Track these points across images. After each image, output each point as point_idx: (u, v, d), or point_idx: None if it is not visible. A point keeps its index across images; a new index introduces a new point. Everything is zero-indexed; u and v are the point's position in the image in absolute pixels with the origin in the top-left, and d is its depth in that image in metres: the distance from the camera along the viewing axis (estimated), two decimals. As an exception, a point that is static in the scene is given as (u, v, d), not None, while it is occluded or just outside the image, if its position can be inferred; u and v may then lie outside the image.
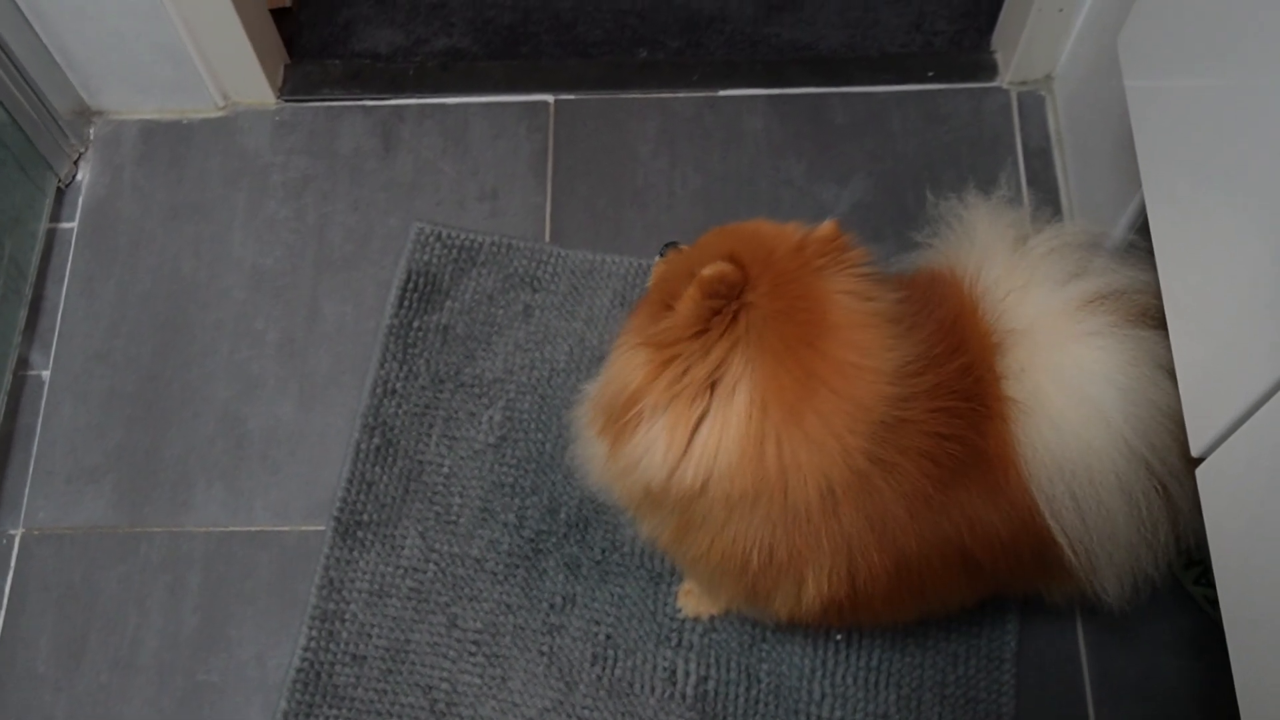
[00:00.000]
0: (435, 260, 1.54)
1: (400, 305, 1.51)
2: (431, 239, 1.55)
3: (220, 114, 1.67)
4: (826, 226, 0.94)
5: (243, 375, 1.52)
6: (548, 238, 1.56)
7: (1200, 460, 0.90)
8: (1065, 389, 0.98)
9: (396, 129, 1.65)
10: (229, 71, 1.62)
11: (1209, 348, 0.91)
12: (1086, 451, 0.97)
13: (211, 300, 1.56)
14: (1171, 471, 0.98)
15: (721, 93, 1.65)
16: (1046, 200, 1.53)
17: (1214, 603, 1.30)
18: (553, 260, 1.54)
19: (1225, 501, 0.88)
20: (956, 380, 0.97)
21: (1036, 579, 1.16)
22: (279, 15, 1.71)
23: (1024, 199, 1.54)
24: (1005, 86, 1.61)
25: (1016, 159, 1.57)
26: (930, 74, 1.63)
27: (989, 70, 1.63)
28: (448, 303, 1.51)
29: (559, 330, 1.50)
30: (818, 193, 1.57)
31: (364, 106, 1.67)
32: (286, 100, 1.67)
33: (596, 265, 1.53)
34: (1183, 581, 1.31)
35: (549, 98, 1.66)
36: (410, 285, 1.52)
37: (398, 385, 1.47)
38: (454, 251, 1.54)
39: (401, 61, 1.70)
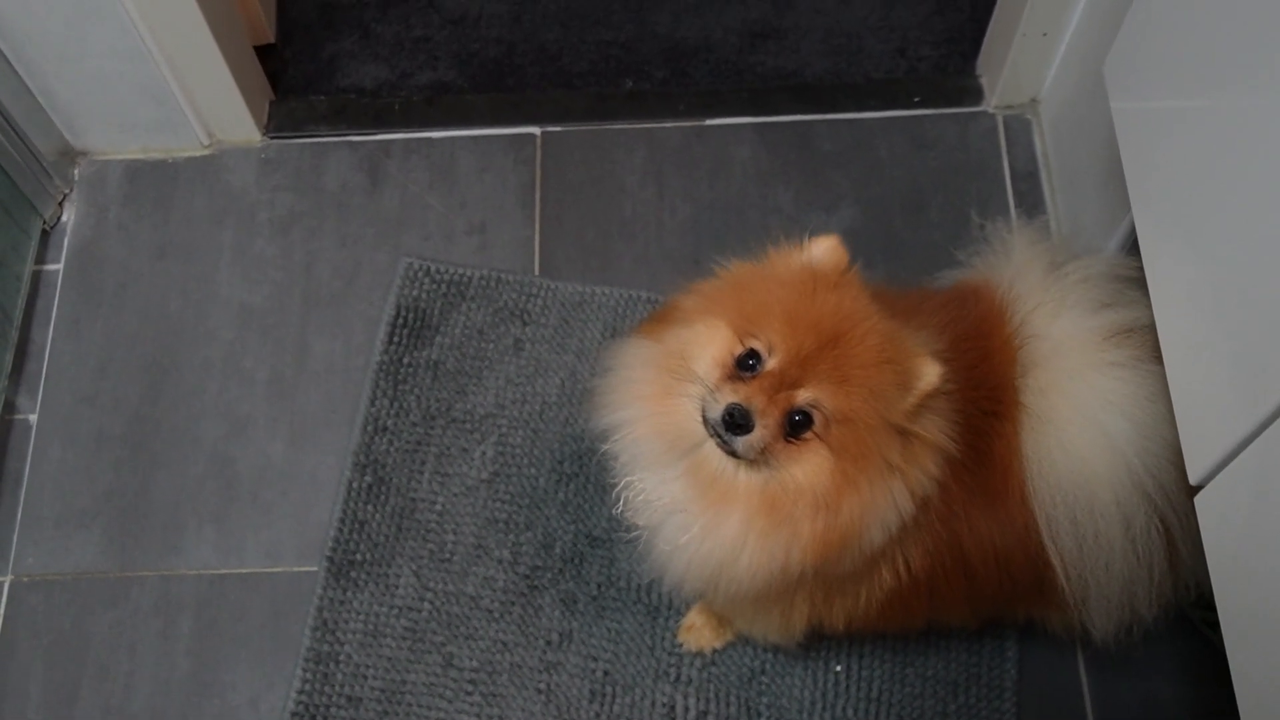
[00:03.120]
0: (424, 295, 1.53)
1: (390, 341, 1.50)
2: (420, 274, 1.55)
3: (205, 152, 1.66)
4: (832, 254, 0.94)
5: (232, 415, 1.50)
6: (537, 270, 1.56)
7: (1199, 489, 0.90)
8: (1080, 414, 0.98)
9: (383, 164, 1.65)
10: (214, 110, 1.61)
11: (1205, 374, 0.91)
12: (1092, 478, 0.97)
13: (199, 340, 1.55)
14: (1176, 511, 0.98)
15: (708, 122, 1.65)
16: (1021, 218, 1.54)
17: (1213, 625, 1.30)
18: (542, 293, 1.53)
19: (1224, 528, 0.87)
20: (978, 378, 0.99)
21: (1032, 603, 1.15)
22: (263, 51, 1.70)
23: (1012, 222, 1.54)
24: (991, 110, 1.62)
25: (1004, 183, 1.58)
26: (916, 99, 1.63)
27: (974, 95, 1.63)
28: (437, 338, 1.50)
29: (550, 364, 1.49)
30: (806, 220, 1.57)
31: (350, 142, 1.67)
32: (272, 137, 1.67)
33: (586, 297, 1.53)
34: (1182, 604, 1.31)
35: (536, 130, 1.66)
36: (400, 321, 1.52)
37: (389, 422, 1.46)
38: (443, 286, 1.54)
39: (387, 96, 1.70)
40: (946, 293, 1.12)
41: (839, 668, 1.31)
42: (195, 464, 1.48)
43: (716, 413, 0.88)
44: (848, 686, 1.30)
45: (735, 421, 0.88)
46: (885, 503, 0.91)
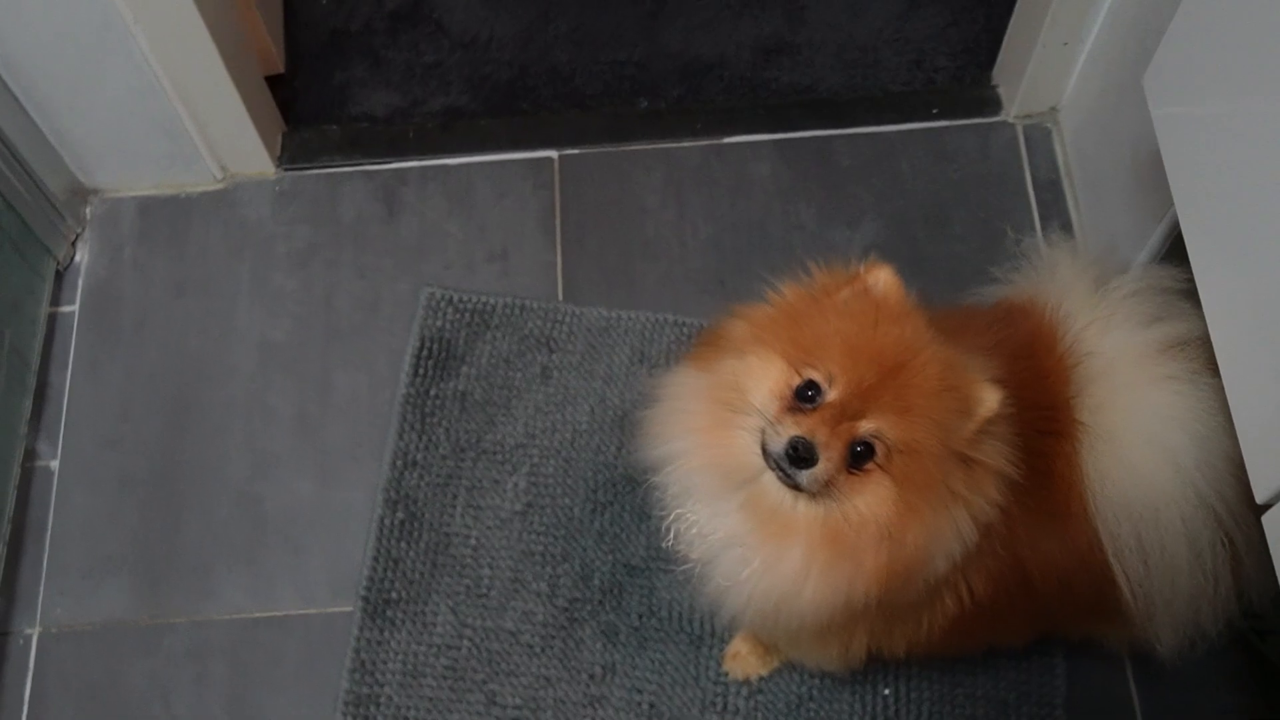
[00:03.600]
0: (448, 326, 1.51)
1: (415, 374, 1.48)
2: (443, 304, 1.53)
3: (219, 186, 1.64)
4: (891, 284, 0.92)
5: (257, 453, 1.48)
6: (560, 296, 1.54)
7: (1266, 507, 0.88)
8: (1140, 431, 0.97)
9: (399, 193, 1.63)
10: (227, 143, 1.59)
11: (1265, 388, 0.89)
12: (1156, 495, 0.96)
13: (220, 377, 1.53)
14: (1240, 524, 0.97)
15: (726, 140, 1.63)
16: (1060, 233, 1.53)
17: (1263, 635, 1.29)
18: (567, 319, 1.51)
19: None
20: (1033, 399, 0.97)
21: (1092, 621, 1.14)
22: (273, 82, 1.69)
23: (1037, 232, 1.53)
24: (1011, 120, 1.61)
25: (1026, 193, 1.57)
26: (934, 111, 1.62)
27: (993, 105, 1.62)
28: (463, 368, 1.49)
29: (579, 391, 1.47)
30: (829, 237, 1.56)
31: (365, 171, 1.65)
32: (286, 169, 1.65)
33: (612, 322, 1.51)
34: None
35: (553, 153, 1.64)
36: (424, 353, 1.50)
37: (418, 456, 1.44)
38: (466, 315, 1.52)
39: (400, 123, 1.68)
40: (991, 311, 1.11)
41: (887, 691, 1.30)
42: (222, 505, 1.46)
43: (779, 446, 0.87)
44: (897, 710, 1.29)
45: (799, 455, 0.86)
46: (949, 531, 0.90)
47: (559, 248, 1.58)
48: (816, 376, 0.89)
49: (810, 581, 0.91)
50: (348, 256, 1.59)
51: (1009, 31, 1.58)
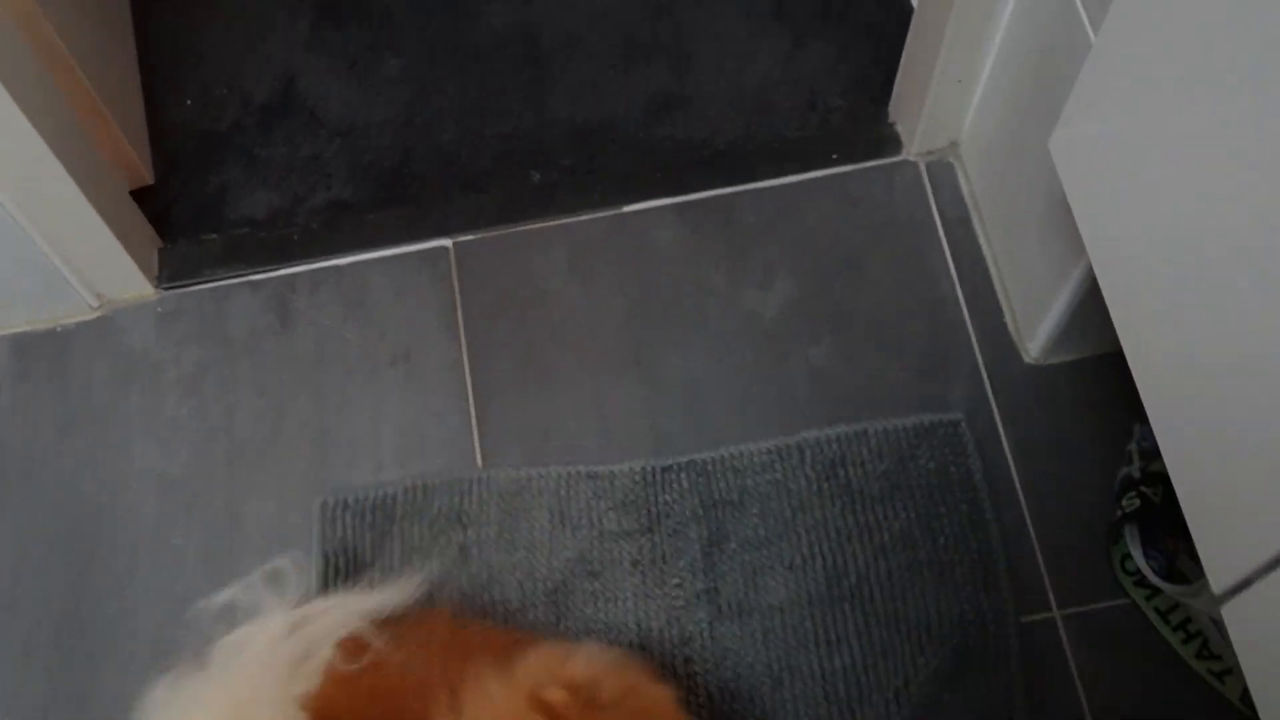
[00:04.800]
0: (349, 533, 1.40)
1: (324, 590, 1.37)
2: (339, 510, 1.41)
3: (97, 314, 1.55)
4: None
5: (168, 598, 1.40)
6: (471, 397, 1.47)
7: (1226, 598, 0.85)
8: None
9: (290, 301, 1.55)
10: (97, 270, 1.50)
11: (1206, 465, 0.86)
12: None
13: (121, 520, 1.44)
14: None
15: (626, 208, 1.58)
16: (975, 268, 1.50)
17: (1220, 675, 1.27)
18: (476, 489, 1.41)
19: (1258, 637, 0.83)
20: None
21: None
22: (143, 194, 1.59)
23: (952, 276, 1.50)
24: (912, 159, 1.57)
25: (936, 232, 1.53)
26: (834, 156, 1.58)
27: (893, 144, 1.58)
28: (375, 573, 1.38)
29: (502, 565, 1.37)
30: (743, 300, 1.51)
31: (251, 282, 1.56)
32: (166, 288, 1.56)
33: (524, 484, 1.41)
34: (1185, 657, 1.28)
35: (447, 242, 1.57)
36: (330, 569, 1.39)
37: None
38: (367, 515, 1.41)
39: (284, 225, 1.60)
40: None
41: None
42: (138, 658, 1.37)
43: None
44: None
45: None
46: None
47: (464, 341, 1.51)
48: None
49: None
50: (243, 374, 1.51)
51: (901, 69, 1.54)
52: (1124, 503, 1.33)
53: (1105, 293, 0.99)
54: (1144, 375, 0.94)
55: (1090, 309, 1.32)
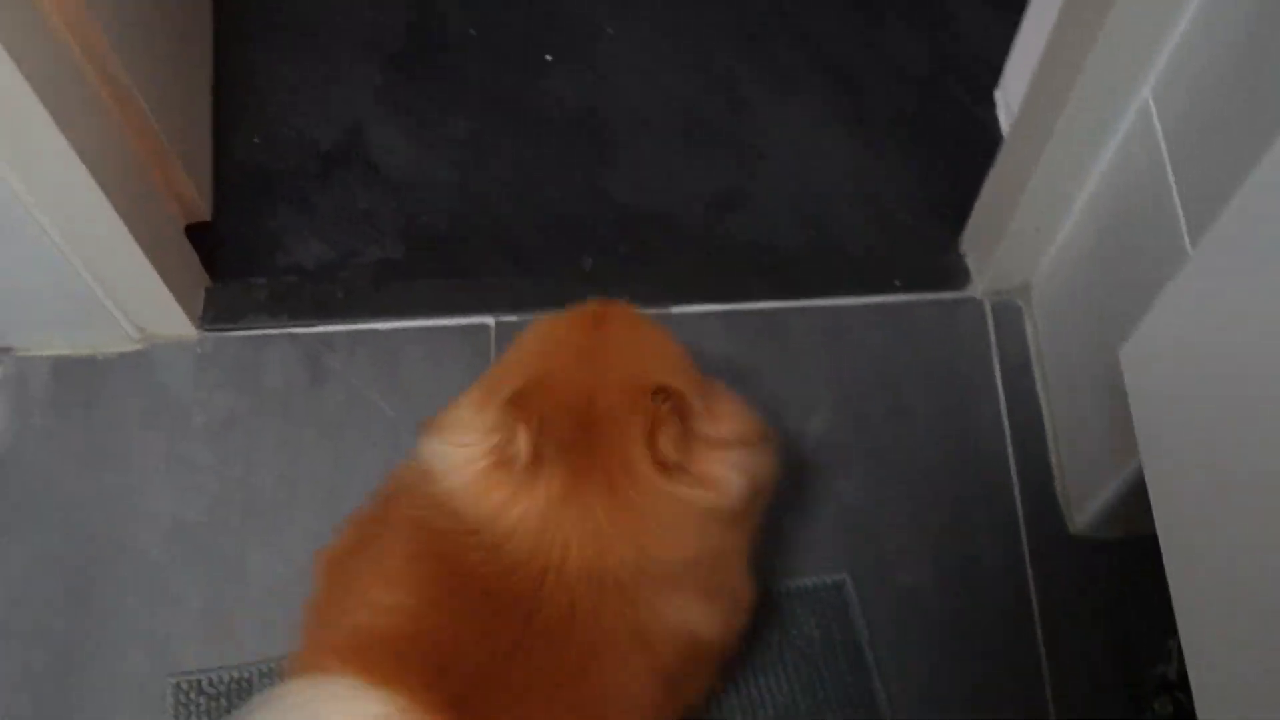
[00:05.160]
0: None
1: None
2: (191, 692, 1.36)
3: (137, 346, 1.55)
4: None
5: (162, 645, 1.39)
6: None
7: None
8: None
9: (325, 359, 1.53)
10: (140, 306, 1.49)
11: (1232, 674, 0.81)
12: None
13: (128, 561, 1.44)
14: None
15: (674, 310, 1.53)
16: (1030, 425, 1.42)
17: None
18: None
19: None
20: None
21: None
22: (199, 230, 1.59)
23: (1004, 429, 1.42)
24: (979, 297, 1.50)
25: (994, 377, 1.46)
26: (897, 283, 1.51)
27: (960, 277, 1.51)
28: None
29: None
30: (783, 425, 1.45)
31: (291, 334, 1.55)
32: (208, 329, 1.55)
33: None
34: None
35: (489, 320, 1.54)
36: None
37: None
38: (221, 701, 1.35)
39: (330, 280, 1.58)
40: None
41: None
42: (127, 701, 1.37)
43: None
44: None
45: None
46: None
47: (491, 426, 1.48)
48: None
49: None
50: (269, 428, 1.50)
51: (978, 204, 1.47)
52: (1156, 705, 1.25)
53: (1157, 519, 0.94)
54: (1181, 599, 0.89)
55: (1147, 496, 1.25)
